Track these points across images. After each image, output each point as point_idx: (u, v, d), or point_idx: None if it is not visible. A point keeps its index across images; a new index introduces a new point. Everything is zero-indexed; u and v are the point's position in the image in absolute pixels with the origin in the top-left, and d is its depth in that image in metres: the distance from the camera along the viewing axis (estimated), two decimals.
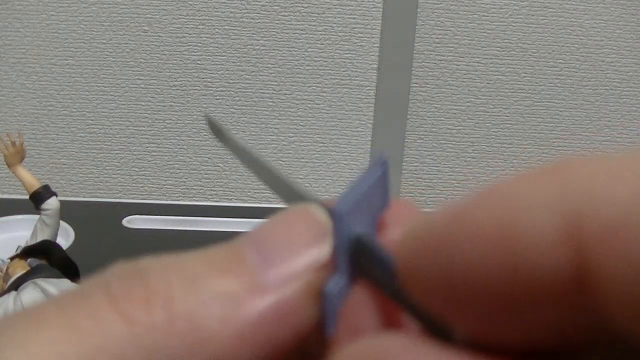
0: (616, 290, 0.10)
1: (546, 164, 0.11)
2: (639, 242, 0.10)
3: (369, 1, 1.04)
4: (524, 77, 1.10)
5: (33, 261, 0.73)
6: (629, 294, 0.10)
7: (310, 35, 1.06)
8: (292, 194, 0.17)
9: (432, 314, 0.12)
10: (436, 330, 0.13)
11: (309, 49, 1.06)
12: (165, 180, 1.13)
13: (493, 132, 1.12)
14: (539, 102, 1.11)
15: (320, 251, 0.15)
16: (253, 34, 1.05)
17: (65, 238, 0.91)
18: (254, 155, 0.20)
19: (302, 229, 0.15)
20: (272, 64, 1.07)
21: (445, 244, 0.12)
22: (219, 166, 1.12)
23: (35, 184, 0.75)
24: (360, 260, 0.15)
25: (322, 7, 1.05)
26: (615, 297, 0.10)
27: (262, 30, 1.05)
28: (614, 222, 0.10)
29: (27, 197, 0.75)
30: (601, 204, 0.10)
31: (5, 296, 0.68)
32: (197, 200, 1.13)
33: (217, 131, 0.20)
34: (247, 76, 1.07)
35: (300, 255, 0.14)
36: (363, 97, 1.09)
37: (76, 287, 0.14)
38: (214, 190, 1.14)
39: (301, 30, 1.06)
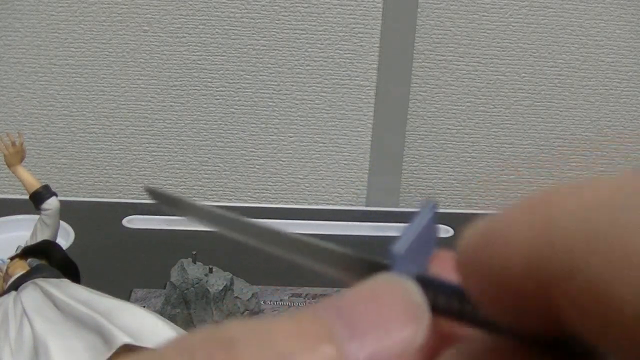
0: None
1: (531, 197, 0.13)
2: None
3: (369, 1, 1.04)
4: (524, 77, 1.10)
5: (33, 261, 0.73)
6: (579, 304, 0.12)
7: (310, 35, 1.06)
8: (290, 243, 0.17)
9: (492, 319, 0.14)
10: (498, 332, 0.14)
11: (309, 49, 1.06)
12: (165, 180, 1.13)
13: (493, 132, 1.13)
14: (539, 102, 1.11)
15: (417, 334, 0.13)
16: (253, 34, 1.05)
17: (65, 238, 0.91)
18: (226, 215, 0.18)
19: (395, 306, 0.14)
20: (272, 64, 1.07)
21: (484, 248, 0.13)
22: (219, 166, 1.12)
23: (35, 184, 0.75)
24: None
25: (322, 7, 1.05)
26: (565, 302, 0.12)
27: (262, 30, 1.05)
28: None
29: (27, 197, 0.75)
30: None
31: (5, 296, 0.68)
32: (197, 200, 1.13)
33: (166, 200, 0.19)
34: (247, 76, 1.08)
35: (394, 338, 0.13)
36: (363, 97, 1.09)
37: (158, 350, 0.13)
38: (214, 190, 1.14)
39: (301, 30, 1.06)
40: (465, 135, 1.12)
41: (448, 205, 1.15)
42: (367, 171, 1.13)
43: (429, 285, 0.15)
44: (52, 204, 0.74)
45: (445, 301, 0.15)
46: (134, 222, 1.00)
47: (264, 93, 1.08)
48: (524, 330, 0.13)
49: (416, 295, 0.14)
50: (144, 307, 0.68)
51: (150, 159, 1.11)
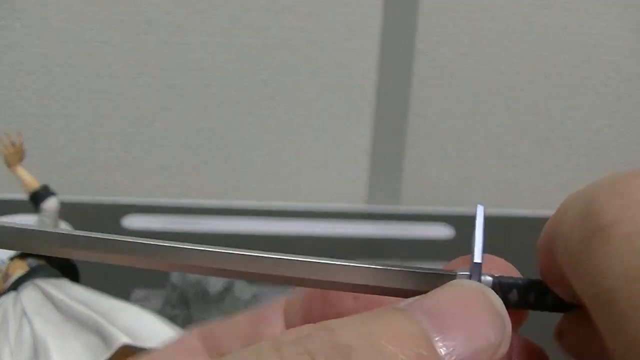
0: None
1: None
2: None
3: (369, 1, 1.04)
4: (524, 77, 1.10)
5: (33, 261, 0.73)
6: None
7: (310, 35, 1.06)
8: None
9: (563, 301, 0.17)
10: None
11: (309, 49, 1.06)
12: (165, 180, 1.13)
13: (493, 132, 1.12)
14: (539, 102, 1.11)
15: (502, 341, 0.14)
16: (253, 34, 1.05)
17: None
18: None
19: (481, 313, 0.15)
20: (272, 64, 1.07)
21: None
22: (219, 166, 1.12)
23: (34, 184, 0.75)
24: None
25: (322, 7, 1.04)
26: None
27: (262, 30, 1.05)
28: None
29: (27, 197, 0.75)
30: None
31: (5, 296, 0.68)
32: (197, 200, 1.13)
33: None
34: (247, 76, 1.07)
35: (482, 343, 0.14)
36: (363, 97, 1.09)
37: (274, 344, 0.14)
38: (214, 190, 1.13)
39: (301, 30, 1.06)
40: (466, 136, 1.12)
41: (448, 205, 1.15)
42: (367, 171, 1.13)
43: (502, 285, 0.17)
44: (51, 204, 0.74)
45: (516, 297, 0.17)
46: (133, 222, 1.00)
47: (264, 93, 1.08)
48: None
49: (498, 303, 0.15)
50: (144, 307, 0.68)
51: (150, 158, 1.11)
